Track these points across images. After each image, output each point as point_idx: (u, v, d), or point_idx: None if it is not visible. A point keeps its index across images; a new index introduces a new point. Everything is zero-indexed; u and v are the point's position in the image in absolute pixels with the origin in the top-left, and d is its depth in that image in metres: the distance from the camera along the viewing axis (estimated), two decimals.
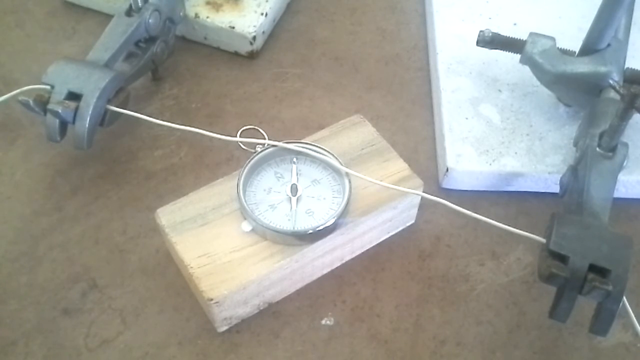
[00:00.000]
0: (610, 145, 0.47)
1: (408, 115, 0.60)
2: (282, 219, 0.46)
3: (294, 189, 0.47)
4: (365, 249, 0.50)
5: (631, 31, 0.56)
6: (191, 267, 0.44)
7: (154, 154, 0.56)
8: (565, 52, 0.53)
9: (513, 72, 0.59)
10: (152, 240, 0.50)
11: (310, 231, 0.45)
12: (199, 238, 0.45)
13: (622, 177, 0.49)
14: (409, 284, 0.49)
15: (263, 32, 0.63)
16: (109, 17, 0.56)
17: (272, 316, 0.47)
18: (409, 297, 0.49)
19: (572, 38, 0.54)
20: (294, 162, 0.49)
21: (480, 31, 0.55)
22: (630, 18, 0.57)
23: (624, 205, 0.53)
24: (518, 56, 0.54)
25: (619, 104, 0.45)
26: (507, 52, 0.56)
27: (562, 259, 0.41)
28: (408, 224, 0.52)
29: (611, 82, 0.51)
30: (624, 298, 0.40)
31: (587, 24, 0.53)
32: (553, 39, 0.53)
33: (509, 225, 0.45)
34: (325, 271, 0.49)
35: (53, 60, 0.52)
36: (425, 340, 0.47)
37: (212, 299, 0.43)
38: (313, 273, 0.48)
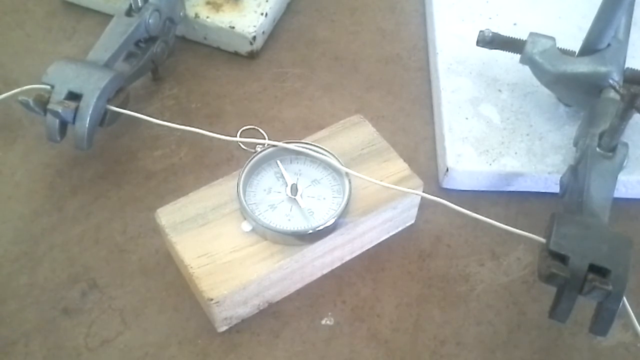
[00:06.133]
0: (610, 145, 0.47)
1: (408, 115, 0.60)
2: (282, 219, 0.46)
3: (294, 189, 0.47)
4: (365, 249, 0.50)
5: (631, 31, 0.56)
6: (191, 267, 0.44)
7: (154, 154, 0.56)
8: (565, 52, 0.53)
9: (513, 72, 0.59)
10: (152, 240, 0.50)
11: (310, 231, 0.45)
12: (199, 238, 0.45)
13: (622, 177, 0.49)
14: (409, 284, 0.49)
15: (263, 32, 0.63)
16: (109, 17, 0.56)
17: (272, 316, 0.47)
18: (409, 297, 0.49)
19: (572, 38, 0.54)
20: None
21: (480, 31, 0.55)
22: (630, 18, 0.57)
23: (624, 205, 0.53)
24: (518, 56, 0.54)
25: (619, 104, 0.45)
26: (507, 52, 0.56)
27: (562, 259, 0.41)
28: (408, 224, 0.52)
29: (611, 82, 0.51)
30: (624, 298, 0.40)
31: (587, 24, 0.53)
32: (553, 39, 0.53)
33: (509, 225, 0.45)
34: (325, 271, 0.49)
35: (53, 60, 0.52)
36: (425, 340, 0.47)
37: (212, 299, 0.43)
38: (313, 273, 0.48)
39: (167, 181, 0.54)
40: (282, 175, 0.48)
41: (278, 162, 0.48)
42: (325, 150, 0.48)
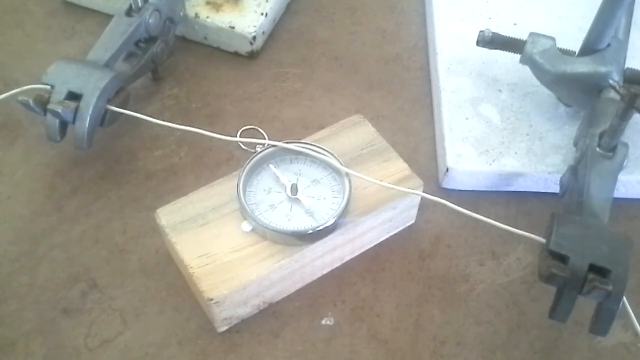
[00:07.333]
0: (610, 145, 0.47)
1: (408, 115, 0.60)
2: (282, 219, 0.46)
3: (294, 189, 0.47)
4: (365, 249, 0.50)
5: (631, 31, 0.56)
6: (191, 267, 0.44)
7: (154, 154, 0.56)
8: (565, 52, 0.53)
9: (513, 72, 0.59)
10: (152, 240, 0.50)
11: (310, 231, 0.45)
12: (199, 238, 0.45)
13: (622, 177, 0.49)
14: (409, 284, 0.49)
15: (263, 32, 0.63)
16: (109, 17, 0.56)
17: (272, 316, 0.47)
18: (409, 297, 0.49)
19: (572, 38, 0.54)
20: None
21: (480, 31, 0.55)
22: (630, 18, 0.57)
23: (624, 205, 0.53)
24: (518, 56, 0.54)
25: (619, 104, 0.45)
26: (507, 52, 0.56)
27: (562, 259, 0.41)
28: (408, 224, 0.52)
29: (611, 82, 0.51)
30: (624, 298, 0.40)
31: (587, 24, 0.53)
32: (553, 39, 0.53)
33: (509, 225, 0.45)
34: (325, 271, 0.49)
35: (53, 60, 0.52)
36: (425, 340, 0.47)
37: (212, 299, 0.43)
38: (313, 273, 0.48)
39: (167, 181, 0.54)
40: (283, 175, 0.48)
41: (271, 166, 0.48)
42: (325, 150, 0.48)
